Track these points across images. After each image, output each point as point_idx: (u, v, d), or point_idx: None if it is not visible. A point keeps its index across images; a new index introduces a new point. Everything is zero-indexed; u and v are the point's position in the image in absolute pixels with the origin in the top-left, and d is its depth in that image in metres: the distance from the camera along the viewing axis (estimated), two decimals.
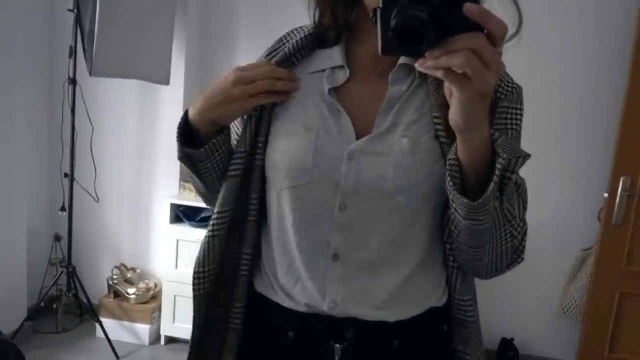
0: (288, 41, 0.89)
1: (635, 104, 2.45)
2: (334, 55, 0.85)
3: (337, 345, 0.82)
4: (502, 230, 0.75)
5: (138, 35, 2.50)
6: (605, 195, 2.54)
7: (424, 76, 0.82)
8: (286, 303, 0.85)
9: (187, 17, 2.86)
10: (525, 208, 0.80)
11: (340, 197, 0.80)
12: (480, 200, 0.68)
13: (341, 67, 0.84)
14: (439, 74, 0.58)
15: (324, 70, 0.85)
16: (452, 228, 0.79)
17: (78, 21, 2.52)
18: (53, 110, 2.96)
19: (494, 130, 0.71)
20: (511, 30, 0.60)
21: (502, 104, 0.81)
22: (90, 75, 2.39)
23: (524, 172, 0.76)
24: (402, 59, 0.83)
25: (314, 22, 0.87)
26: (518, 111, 0.82)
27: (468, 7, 0.55)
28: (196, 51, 3.00)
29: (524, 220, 0.78)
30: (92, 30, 2.34)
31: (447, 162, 0.72)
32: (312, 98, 0.84)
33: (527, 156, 0.69)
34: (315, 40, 0.88)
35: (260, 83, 0.82)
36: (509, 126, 0.81)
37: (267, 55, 0.89)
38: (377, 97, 0.83)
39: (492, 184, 0.67)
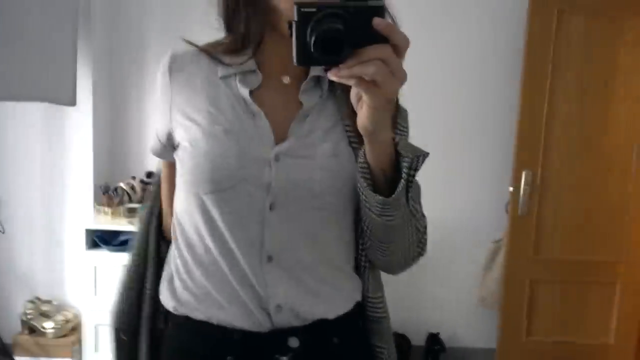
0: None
1: (529, 102, 2.65)
2: (244, 61, 0.86)
3: (284, 357, 0.84)
4: (409, 225, 0.82)
5: (38, 54, 2.38)
6: (511, 189, 2.72)
7: (331, 88, 0.87)
8: (222, 316, 0.83)
9: (92, 34, 2.77)
10: (421, 204, 0.87)
11: (270, 198, 0.81)
12: (394, 195, 0.75)
13: (253, 71, 0.87)
14: (351, 82, 0.65)
15: (234, 74, 0.86)
16: (365, 227, 0.84)
17: None
18: None
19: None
20: None
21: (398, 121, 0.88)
22: None
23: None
24: (313, 71, 0.87)
25: (226, 30, 0.89)
26: (404, 129, 0.90)
27: (377, 22, 0.62)
28: (104, 69, 2.90)
29: (424, 215, 0.86)
30: None
31: (358, 165, 0.77)
32: (227, 101, 0.86)
33: (426, 154, 0.76)
34: (222, 46, 0.89)
35: None
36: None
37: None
38: (288, 104, 0.86)
39: (402, 180, 0.74)
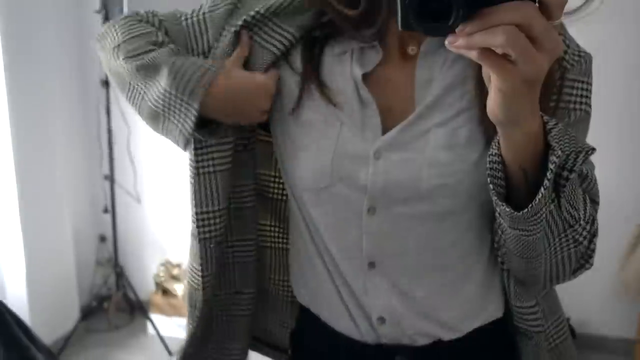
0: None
1: None
2: (362, 33, 0.71)
3: None
4: (561, 237, 0.65)
5: None
6: None
7: None
8: (327, 316, 0.79)
9: None
10: (596, 202, 0.70)
11: (368, 201, 0.70)
12: (527, 210, 0.57)
13: (372, 46, 0.71)
14: (473, 54, 0.46)
15: (351, 51, 0.72)
16: (500, 233, 0.69)
17: (106, 21, 2.51)
18: (88, 112, 2.96)
19: (553, 113, 0.60)
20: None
21: (567, 76, 0.68)
22: None
23: None
24: None
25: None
26: (586, 86, 0.69)
27: None
28: None
29: (592, 221, 0.67)
30: None
31: (488, 159, 0.60)
32: (338, 85, 0.73)
33: (590, 150, 0.58)
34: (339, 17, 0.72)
35: None
36: (572, 105, 0.69)
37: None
38: (409, 82, 0.71)
39: (543, 189, 0.56)
